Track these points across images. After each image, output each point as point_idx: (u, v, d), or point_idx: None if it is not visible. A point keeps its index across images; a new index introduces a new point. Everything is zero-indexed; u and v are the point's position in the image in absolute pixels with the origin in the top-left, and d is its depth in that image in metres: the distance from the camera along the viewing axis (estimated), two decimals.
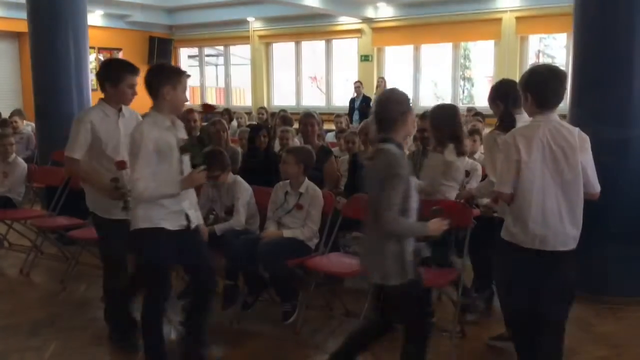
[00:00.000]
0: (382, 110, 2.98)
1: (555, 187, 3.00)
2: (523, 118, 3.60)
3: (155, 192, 3.30)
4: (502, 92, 3.89)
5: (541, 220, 2.97)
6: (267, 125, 6.95)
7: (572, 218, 3.01)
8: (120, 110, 3.81)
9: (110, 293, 4.03)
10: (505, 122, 3.76)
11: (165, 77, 3.30)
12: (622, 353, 3.81)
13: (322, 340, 4.11)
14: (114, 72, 3.72)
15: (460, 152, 4.24)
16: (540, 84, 3.06)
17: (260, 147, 5.64)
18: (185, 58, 16.77)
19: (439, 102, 14.26)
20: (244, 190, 4.50)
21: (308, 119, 5.73)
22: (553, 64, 3.56)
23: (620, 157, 4.48)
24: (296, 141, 6.61)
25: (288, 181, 4.47)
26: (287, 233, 4.28)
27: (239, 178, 4.59)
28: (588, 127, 3.14)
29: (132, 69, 3.75)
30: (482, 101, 13.20)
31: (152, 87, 3.32)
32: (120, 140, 3.76)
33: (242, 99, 16.62)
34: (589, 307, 4.44)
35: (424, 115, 4.95)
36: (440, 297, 4.69)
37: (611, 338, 4.00)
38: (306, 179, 4.45)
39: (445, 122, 4.24)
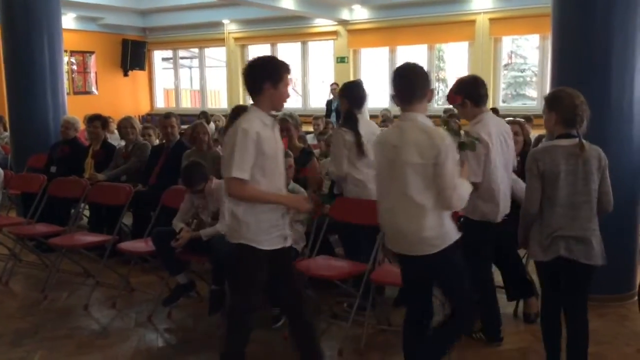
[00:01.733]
0: (585, 109, 3.29)
1: (503, 169, 3.73)
2: (364, 117, 4.59)
3: (466, 194, 2.99)
4: (344, 91, 4.70)
5: (504, 197, 3.73)
6: None
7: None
8: (272, 116, 3.28)
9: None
10: (349, 120, 4.47)
11: (428, 82, 3.02)
12: (608, 350, 3.87)
13: None
14: (275, 70, 3.18)
15: None
16: (473, 89, 3.81)
17: None
18: (159, 60, 16.62)
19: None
20: None
21: (283, 124, 5.67)
22: (474, 74, 4.33)
23: None
24: None
25: None
26: None
27: (223, 182, 4.54)
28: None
29: (288, 67, 3.25)
30: None
31: (420, 89, 2.99)
32: (278, 153, 3.27)
33: (218, 101, 16.53)
34: None
35: None
36: None
37: (595, 335, 4.01)
38: (291, 181, 4.44)
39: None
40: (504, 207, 3.75)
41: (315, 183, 5.45)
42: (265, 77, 3.15)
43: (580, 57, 4.59)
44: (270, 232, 3.22)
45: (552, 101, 3.37)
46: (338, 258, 4.70)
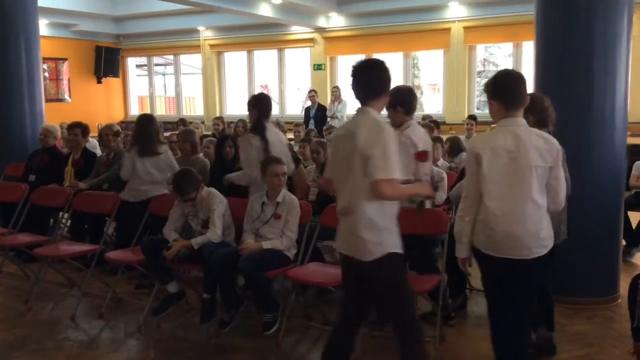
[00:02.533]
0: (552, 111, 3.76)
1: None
2: (269, 127, 4.89)
3: None
4: (255, 103, 4.94)
5: None
6: (232, 135, 6.90)
7: None
8: None
9: None
10: (258, 128, 4.85)
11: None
12: (599, 351, 3.94)
13: (305, 351, 4.09)
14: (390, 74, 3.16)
15: (147, 154, 5.35)
16: (408, 98, 4.28)
17: (227, 157, 5.63)
18: (133, 67, 16.45)
19: (387, 110, 14.53)
20: (219, 202, 4.44)
21: None
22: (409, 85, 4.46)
23: (584, 161, 4.63)
24: None
25: (264, 192, 4.44)
26: (266, 245, 4.22)
27: (213, 190, 4.52)
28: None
29: None
30: (430, 109, 13.48)
31: (526, 96, 3.13)
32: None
33: (193, 108, 16.44)
34: (558, 308, 4.53)
35: None
36: (415, 301, 4.75)
37: (585, 337, 4.13)
38: (283, 188, 4.44)
39: (143, 129, 5.45)
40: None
41: (302, 190, 5.46)
42: (389, 79, 3.13)
43: (563, 64, 4.69)
44: (398, 234, 3.13)
45: (528, 105, 3.58)
46: (328, 264, 4.71)
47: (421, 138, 4.18)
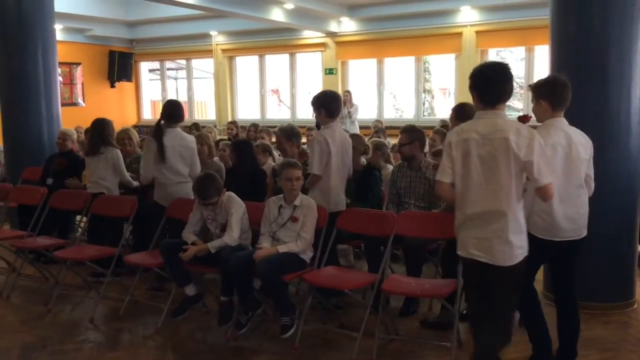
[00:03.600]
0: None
1: (337, 170, 4.71)
2: (170, 132, 5.17)
3: None
4: (164, 109, 5.27)
5: (336, 193, 4.77)
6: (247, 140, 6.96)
7: None
8: None
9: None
10: (157, 132, 5.15)
11: None
12: (616, 356, 3.94)
13: (322, 354, 4.11)
14: None
15: (89, 154, 5.86)
16: (330, 103, 4.72)
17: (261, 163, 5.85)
18: (145, 72, 16.56)
19: (399, 114, 14.57)
20: (238, 207, 4.48)
21: (277, 138, 5.72)
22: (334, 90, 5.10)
23: (599, 165, 4.61)
24: (275, 155, 6.63)
25: (282, 195, 4.48)
26: (282, 248, 4.25)
27: (232, 194, 4.56)
28: None
29: None
30: (442, 113, 13.47)
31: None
32: None
33: (205, 112, 16.52)
34: None
35: (404, 130, 5.09)
36: (431, 307, 4.77)
37: (602, 342, 4.12)
38: (299, 192, 4.48)
39: (92, 131, 5.93)
40: (335, 203, 4.62)
41: None
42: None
43: (578, 69, 4.69)
44: None
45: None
46: (344, 268, 4.75)
47: (336, 137, 4.65)
